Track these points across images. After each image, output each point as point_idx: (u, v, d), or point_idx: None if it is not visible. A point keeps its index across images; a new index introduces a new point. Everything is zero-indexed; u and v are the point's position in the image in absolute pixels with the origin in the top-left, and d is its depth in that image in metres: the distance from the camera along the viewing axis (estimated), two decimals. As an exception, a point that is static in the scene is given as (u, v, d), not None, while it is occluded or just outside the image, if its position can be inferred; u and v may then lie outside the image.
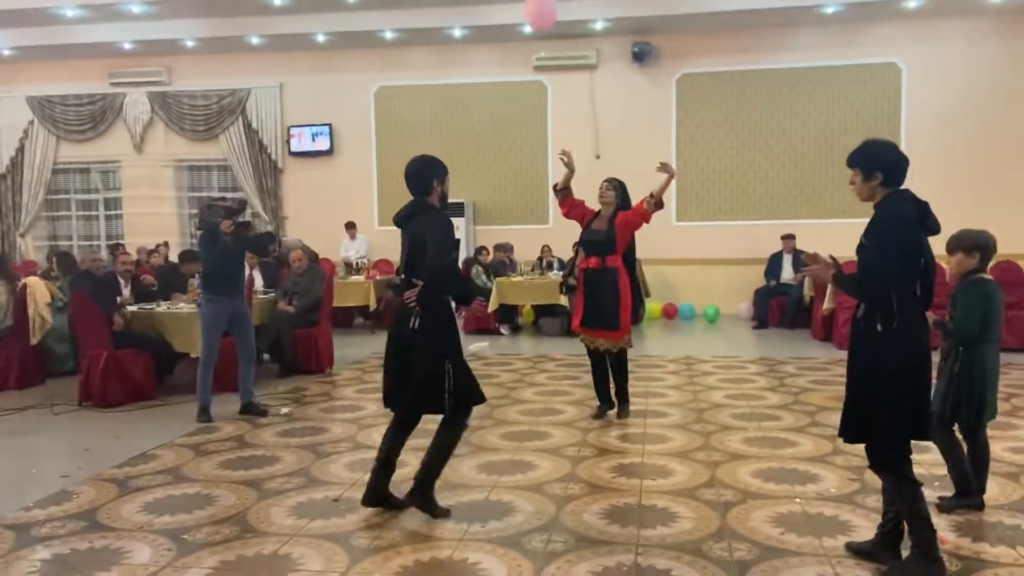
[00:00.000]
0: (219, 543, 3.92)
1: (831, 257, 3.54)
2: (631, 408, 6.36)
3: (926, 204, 3.36)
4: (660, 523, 4.10)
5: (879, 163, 3.39)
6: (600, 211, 6.26)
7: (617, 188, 6.21)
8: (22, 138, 14.27)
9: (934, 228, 3.38)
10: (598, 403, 6.40)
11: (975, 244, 4.11)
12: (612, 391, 6.36)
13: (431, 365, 4.09)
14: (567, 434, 5.85)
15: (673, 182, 12.34)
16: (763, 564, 3.60)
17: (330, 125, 13.41)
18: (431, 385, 4.09)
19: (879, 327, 3.35)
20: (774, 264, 11.50)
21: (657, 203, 6.10)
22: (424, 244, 4.12)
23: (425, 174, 4.33)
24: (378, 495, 4.27)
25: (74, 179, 14.47)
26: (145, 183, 14.13)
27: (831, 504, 4.34)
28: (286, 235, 13.51)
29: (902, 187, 3.43)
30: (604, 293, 6.07)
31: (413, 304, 4.12)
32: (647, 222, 6.18)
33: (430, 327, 4.12)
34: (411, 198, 4.36)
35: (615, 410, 6.34)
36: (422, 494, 4.19)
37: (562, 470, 5.00)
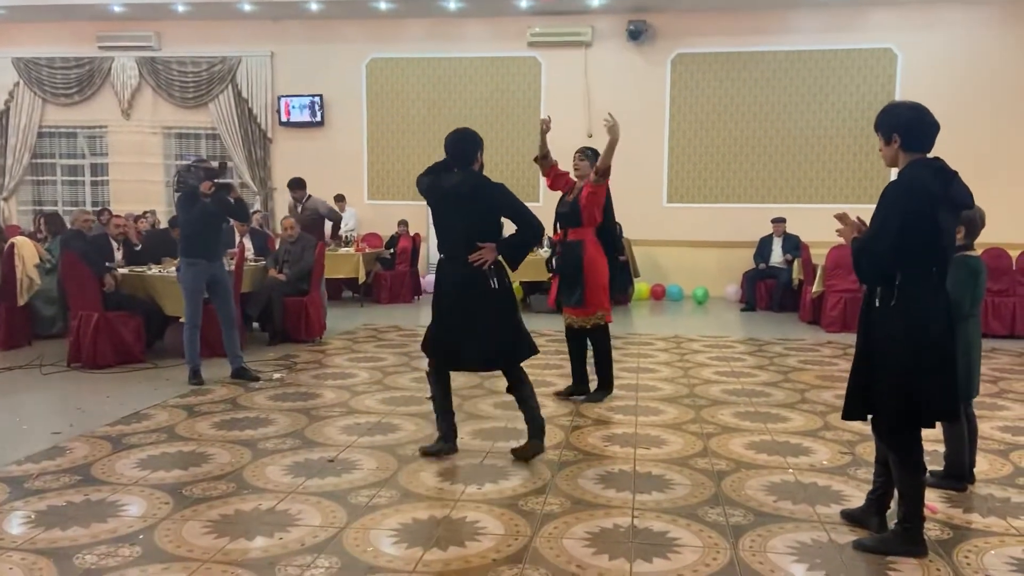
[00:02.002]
0: (216, 498, 3.92)
1: (859, 219, 3.44)
2: (615, 392, 6.09)
3: (953, 174, 3.22)
4: (655, 489, 4.14)
5: (896, 124, 3.28)
6: (577, 183, 6.01)
7: (590, 157, 5.90)
8: (7, 100, 14.02)
9: (960, 200, 3.25)
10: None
11: (961, 219, 4.03)
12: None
13: (514, 318, 4.63)
14: (560, 405, 5.87)
15: (666, 163, 12.56)
16: (759, 529, 3.64)
17: (321, 96, 13.28)
18: (516, 336, 4.61)
19: (877, 302, 3.34)
20: (764, 247, 11.53)
21: (601, 173, 5.68)
22: (495, 215, 4.54)
23: (474, 143, 4.59)
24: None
25: (60, 143, 14.25)
26: (132, 149, 13.94)
27: (824, 475, 4.39)
28: (274, 206, 13.44)
29: (931, 155, 3.29)
30: (569, 267, 5.88)
31: (487, 266, 4.47)
32: (598, 192, 5.76)
33: (507, 286, 4.58)
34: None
35: (584, 395, 6.05)
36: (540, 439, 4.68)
37: (555, 438, 5.03)
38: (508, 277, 4.64)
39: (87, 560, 3.25)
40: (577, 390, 6.10)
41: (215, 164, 6.52)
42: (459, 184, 4.50)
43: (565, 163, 6.19)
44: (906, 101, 3.40)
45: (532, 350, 4.71)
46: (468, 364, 4.68)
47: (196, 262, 6.32)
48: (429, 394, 4.77)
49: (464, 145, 4.56)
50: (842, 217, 3.48)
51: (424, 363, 5.11)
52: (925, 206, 3.18)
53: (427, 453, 4.63)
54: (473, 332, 4.48)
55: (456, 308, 4.51)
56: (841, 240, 3.46)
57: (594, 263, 5.84)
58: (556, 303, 6.16)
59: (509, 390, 4.74)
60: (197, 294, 6.39)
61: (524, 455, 4.57)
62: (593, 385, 6.12)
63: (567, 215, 5.91)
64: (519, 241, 4.63)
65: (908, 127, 3.27)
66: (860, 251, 3.31)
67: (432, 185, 4.61)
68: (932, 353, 3.25)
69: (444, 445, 4.65)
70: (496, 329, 4.52)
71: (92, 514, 3.72)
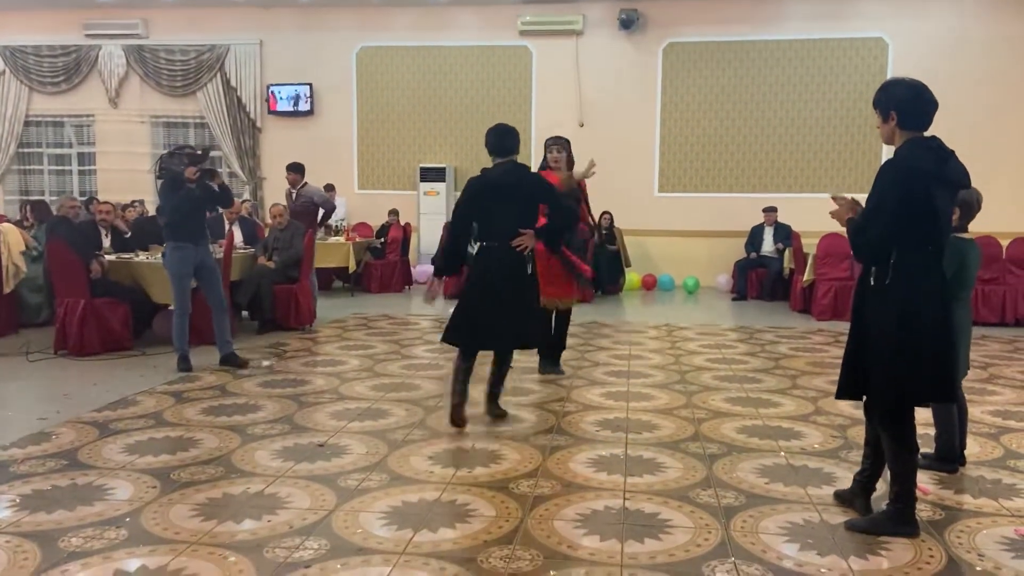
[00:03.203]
0: (204, 482, 3.88)
1: (853, 199, 3.42)
2: (607, 379, 6.24)
3: (949, 153, 3.20)
4: (646, 472, 4.12)
5: (894, 102, 3.23)
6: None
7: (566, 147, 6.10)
8: (-7, 89, 13.92)
9: (955, 179, 3.22)
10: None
11: (956, 200, 3.95)
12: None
13: (539, 303, 5.03)
14: (551, 390, 5.85)
15: (657, 152, 12.51)
16: (750, 510, 3.62)
17: (311, 85, 13.19)
18: (540, 321, 5.06)
19: (872, 281, 3.32)
20: (755, 236, 11.53)
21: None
22: (536, 202, 4.91)
23: (516, 137, 4.94)
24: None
25: (47, 132, 14.12)
26: (120, 138, 13.83)
27: (815, 458, 4.38)
28: (264, 195, 13.35)
29: (927, 133, 3.26)
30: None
31: (527, 251, 4.79)
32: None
33: (536, 272, 4.91)
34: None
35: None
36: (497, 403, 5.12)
37: (547, 423, 5.01)
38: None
39: (72, 543, 3.21)
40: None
41: (199, 150, 6.47)
42: (505, 174, 4.82)
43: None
44: (906, 78, 3.33)
45: (539, 341, 5.30)
46: (504, 343, 4.96)
47: (183, 246, 6.26)
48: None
49: (509, 138, 4.89)
50: (837, 198, 3.46)
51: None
52: (920, 184, 3.16)
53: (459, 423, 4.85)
54: (515, 314, 4.77)
55: (502, 291, 4.74)
56: (833, 228, 3.44)
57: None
58: None
59: (496, 365, 5.11)
60: (185, 279, 6.33)
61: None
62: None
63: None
64: (557, 227, 5.06)
65: (905, 105, 3.23)
66: (856, 231, 3.29)
67: (477, 181, 4.92)
68: (927, 332, 3.22)
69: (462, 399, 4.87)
70: (532, 312, 4.94)
71: (78, 498, 3.67)
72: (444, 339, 4.92)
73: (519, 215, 4.80)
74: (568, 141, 6.14)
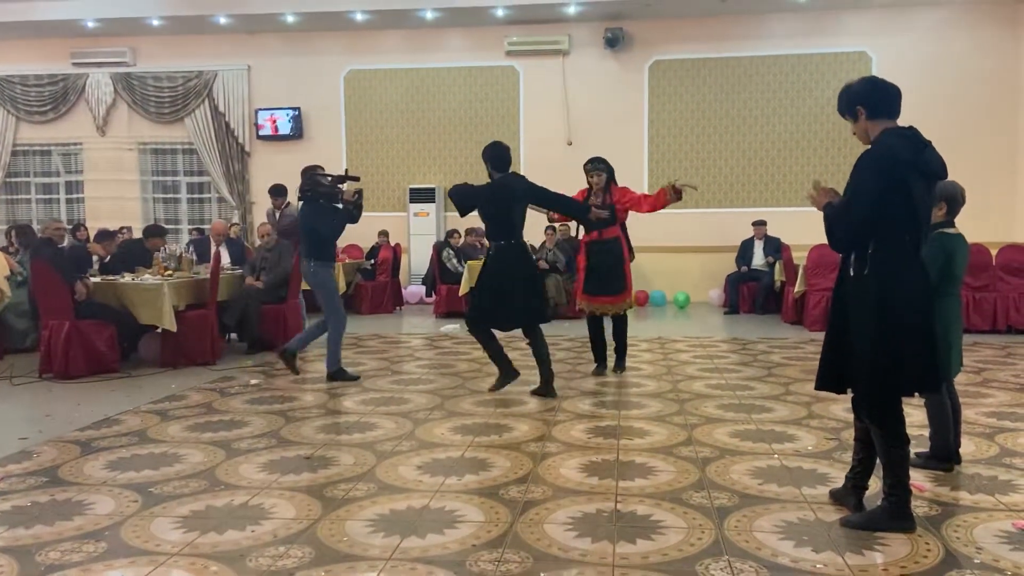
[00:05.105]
0: (187, 495, 3.80)
1: (831, 189, 3.42)
2: (598, 389, 6.37)
3: (926, 143, 3.18)
4: (639, 476, 4.05)
5: (855, 97, 3.28)
6: (591, 189, 6.71)
7: (601, 169, 6.72)
8: (-20, 119, 13.88)
9: (931, 169, 3.20)
10: (595, 364, 6.85)
11: (941, 194, 3.89)
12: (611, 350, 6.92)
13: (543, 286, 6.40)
14: (542, 402, 5.77)
15: (645, 169, 12.53)
16: (744, 510, 3.56)
17: (299, 108, 13.19)
18: (545, 301, 6.27)
19: (852, 272, 3.30)
20: (745, 250, 11.52)
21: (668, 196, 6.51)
22: (528, 203, 5.95)
23: (510, 151, 5.92)
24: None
25: (34, 161, 14.08)
26: (108, 166, 13.78)
27: (809, 459, 4.32)
28: (253, 219, 13.30)
29: (901, 124, 3.26)
30: (610, 261, 6.54)
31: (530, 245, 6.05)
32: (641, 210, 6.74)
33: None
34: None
35: (607, 367, 6.85)
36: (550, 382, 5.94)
37: (538, 432, 4.94)
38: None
39: (50, 557, 3.12)
40: (602, 367, 6.80)
41: (345, 170, 6.81)
42: (516, 182, 5.86)
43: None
44: (859, 77, 3.43)
45: (549, 317, 6.13)
46: (519, 322, 5.88)
47: (330, 264, 6.57)
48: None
49: (508, 153, 5.88)
50: (818, 185, 3.45)
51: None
52: (897, 170, 3.14)
53: (496, 388, 5.96)
54: (527, 297, 5.79)
55: (516, 280, 5.74)
56: (822, 239, 3.41)
57: (626, 256, 6.65)
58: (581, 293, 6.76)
59: (530, 343, 5.93)
60: (338, 292, 6.78)
61: (538, 391, 5.89)
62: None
63: (604, 217, 6.49)
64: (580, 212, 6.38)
65: (866, 96, 3.28)
66: (835, 218, 3.27)
67: (492, 190, 5.81)
68: (907, 322, 3.19)
69: (510, 377, 5.98)
70: (540, 294, 6.03)
71: (57, 513, 3.59)
72: (470, 329, 5.98)
73: (522, 215, 5.87)
74: (604, 162, 6.76)
